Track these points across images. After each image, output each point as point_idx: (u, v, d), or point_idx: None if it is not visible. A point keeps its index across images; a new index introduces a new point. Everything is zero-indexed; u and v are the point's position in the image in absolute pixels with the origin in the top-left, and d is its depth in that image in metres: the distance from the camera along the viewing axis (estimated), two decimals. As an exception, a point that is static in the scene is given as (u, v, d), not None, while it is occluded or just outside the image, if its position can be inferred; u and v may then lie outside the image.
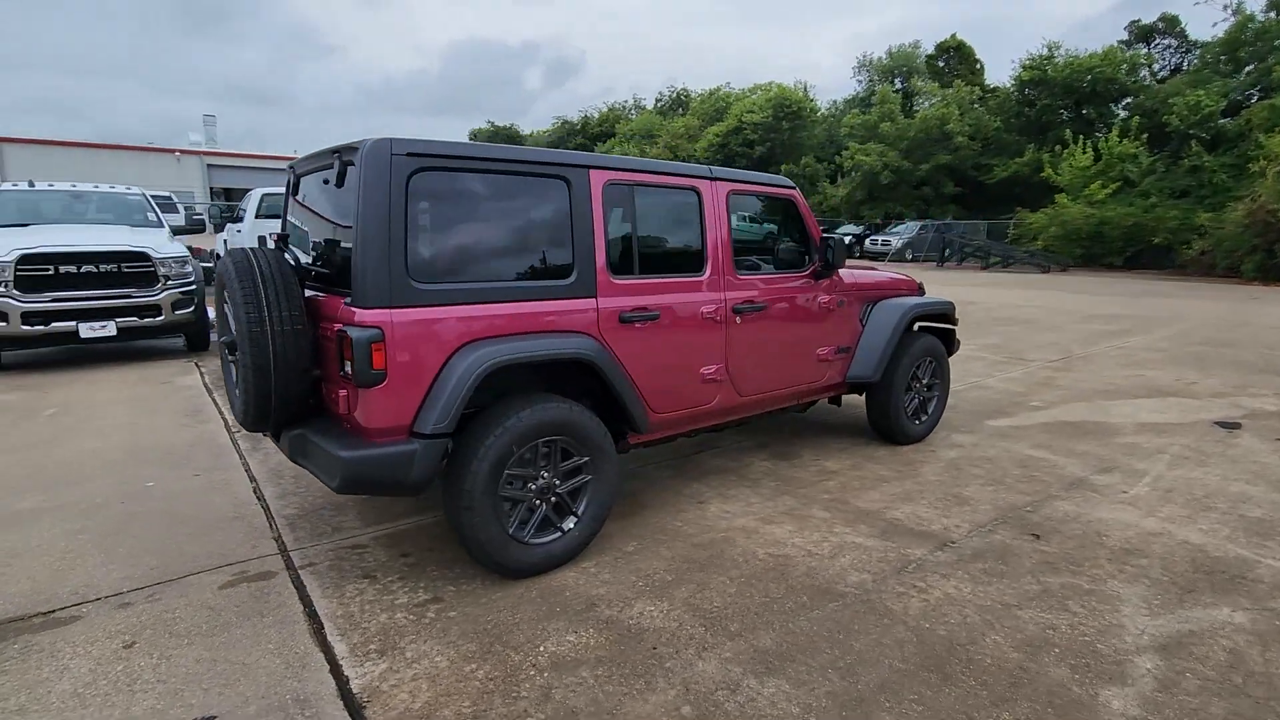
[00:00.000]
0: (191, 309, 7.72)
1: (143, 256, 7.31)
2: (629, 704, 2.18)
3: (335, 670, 2.33)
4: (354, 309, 2.54)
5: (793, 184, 4.07)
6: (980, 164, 30.37)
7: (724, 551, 3.20)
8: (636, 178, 3.24)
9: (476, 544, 2.75)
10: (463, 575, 2.94)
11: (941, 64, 36.25)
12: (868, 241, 27.85)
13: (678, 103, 54.26)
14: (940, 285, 17.17)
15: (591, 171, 3.06)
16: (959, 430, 5.09)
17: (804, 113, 39.73)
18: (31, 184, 8.41)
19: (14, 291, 6.69)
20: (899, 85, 40.75)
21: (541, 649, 2.46)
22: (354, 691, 2.23)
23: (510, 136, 59.21)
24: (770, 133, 38.92)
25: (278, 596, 2.80)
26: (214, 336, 7.67)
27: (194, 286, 7.78)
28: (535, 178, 2.91)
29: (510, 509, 2.86)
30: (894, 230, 28.32)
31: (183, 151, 36.28)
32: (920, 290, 5.04)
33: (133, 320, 7.24)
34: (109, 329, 7.11)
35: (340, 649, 2.45)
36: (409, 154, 2.58)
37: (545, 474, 2.93)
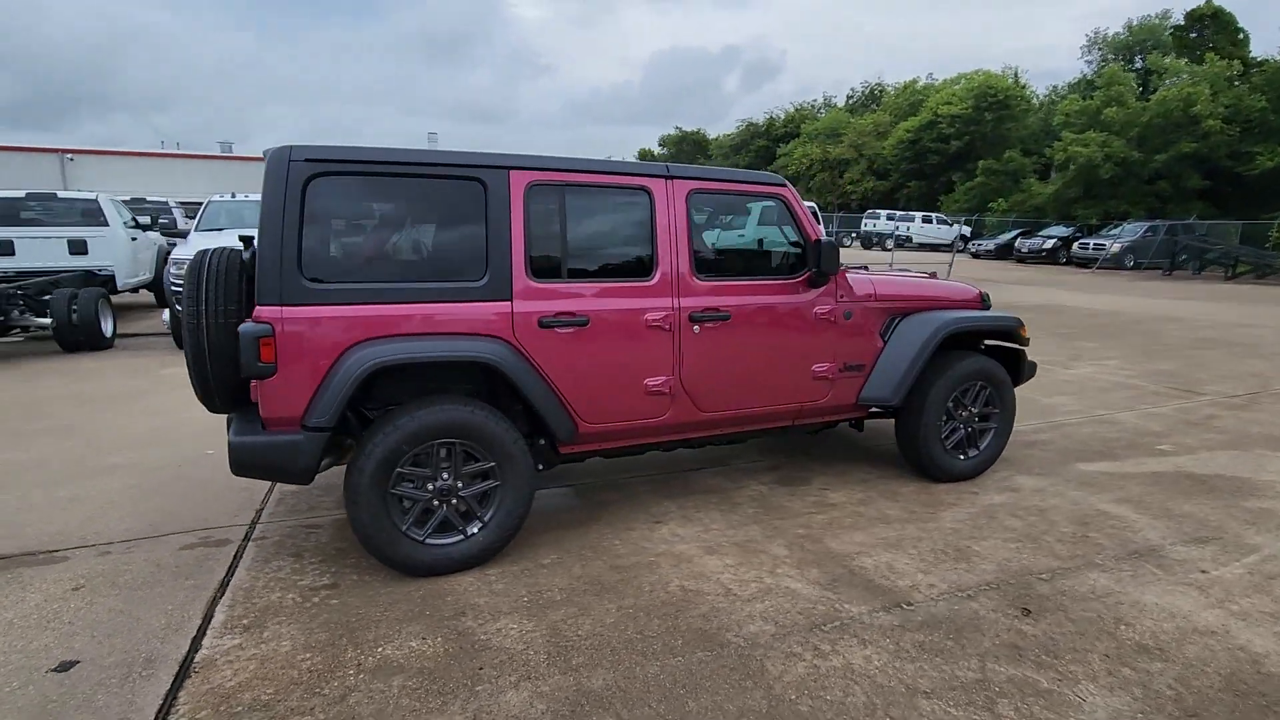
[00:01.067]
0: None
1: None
2: (410, 721, 2.11)
3: (198, 638, 2.53)
4: (256, 305, 2.73)
5: (782, 180, 3.65)
6: (1239, 153, 25.16)
7: (637, 577, 2.98)
8: (568, 178, 3.11)
9: (364, 537, 2.83)
10: (373, 566, 3.03)
11: (1194, 35, 30.52)
12: (1075, 245, 24.29)
13: (871, 98, 51.43)
14: (1142, 298, 14.54)
15: (512, 173, 2.99)
16: (1029, 471, 4.26)
17: (1012, 103, 35.69)
18: (233, 195, 10.09)
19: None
20: (1137, 64, 35.06)
21: (379, 650, 2.46)
22: (194, 661, 2.40)
23: (697, 142, 60.01)
24: (970, 126, 35.52)
25: (214, 563, 3.09)
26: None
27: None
28: (447, 180, 2.92)
29: (406, 507, 2.90)
30: (1111, 232, 24.40)
31: None
32: (982, 304, 4.29)
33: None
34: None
35: (218, 619, 2.65)
36: (307, 159, 2.71)
37: (445, 476, 2.93)
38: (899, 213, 33.24)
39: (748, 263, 3.74)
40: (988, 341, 4.35)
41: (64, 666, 2.36)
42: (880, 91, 50.69)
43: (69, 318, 7.57)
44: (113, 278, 9.17)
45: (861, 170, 43.22)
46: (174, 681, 2.28)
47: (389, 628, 2.59)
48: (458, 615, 2.68)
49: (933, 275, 4.47)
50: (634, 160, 3.79)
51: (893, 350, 3.87)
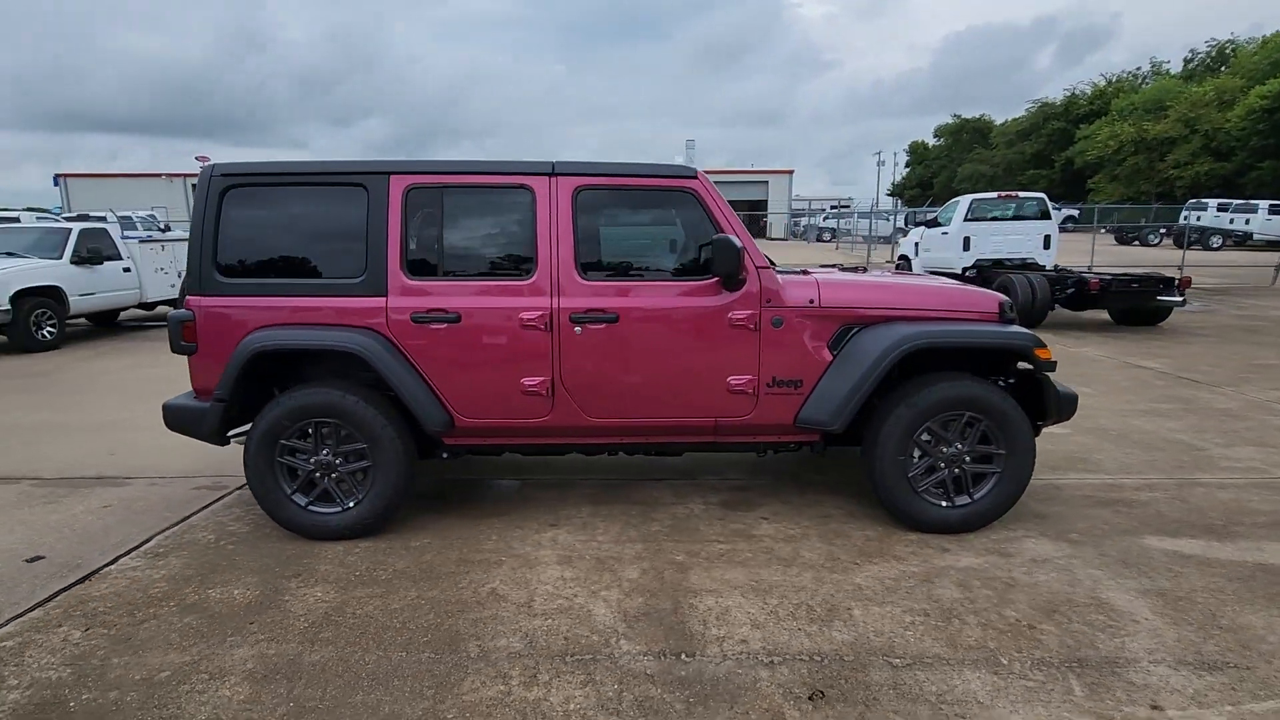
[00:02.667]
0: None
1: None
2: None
3: (121, 556, 3.20)
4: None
5: (693, 172, 3.29)
6: None
7: (470, 573, 3.00)
8: (445, 179, 3.23)
9: (258, 498, 3.29)
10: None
11: None
12: None
13: (1218, 60, 41.19)
14: None
15: (391, 177, 3.21)
16: (1061, 535, 3.28)
17: None
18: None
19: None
20: None
21: (209, 590, 2.87)
22: (99, 571, 3.05)
23: (978, 129, 53.74)
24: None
25: (196, 503, 3.82)
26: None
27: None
28: (335, 186, 3.24)
29: (293, 476, 3.29)
30: None
31: None
32: (1001, 316, 3.37)
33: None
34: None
35: (147, 544, 3.31)
36: (224, 174, 3.23)
37: (324, 452, 3.27)
38: (1234, 202, 26.21)
39: (647, 263, 3.44)
40: (1021, 365, 3.44)
41: (34, 559, 3.18)
42: (1232, 49, 40.29)
43: None
44: None
45: (1193, 150, 35.00)
46: (71, 584, 2.94)
47: (236, 574, 3.00)
48: (291, 576, 2.99)
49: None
50: (528, 160, 3.66)
51: (839, 367, 3.28)
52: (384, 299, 3.21)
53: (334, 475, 3.30)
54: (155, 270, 11.10)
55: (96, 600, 2.81)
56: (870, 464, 3.30)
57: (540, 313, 3.21)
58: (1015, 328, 3.29)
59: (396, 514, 3.40)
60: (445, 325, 3.22)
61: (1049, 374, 3.31)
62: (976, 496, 3.32)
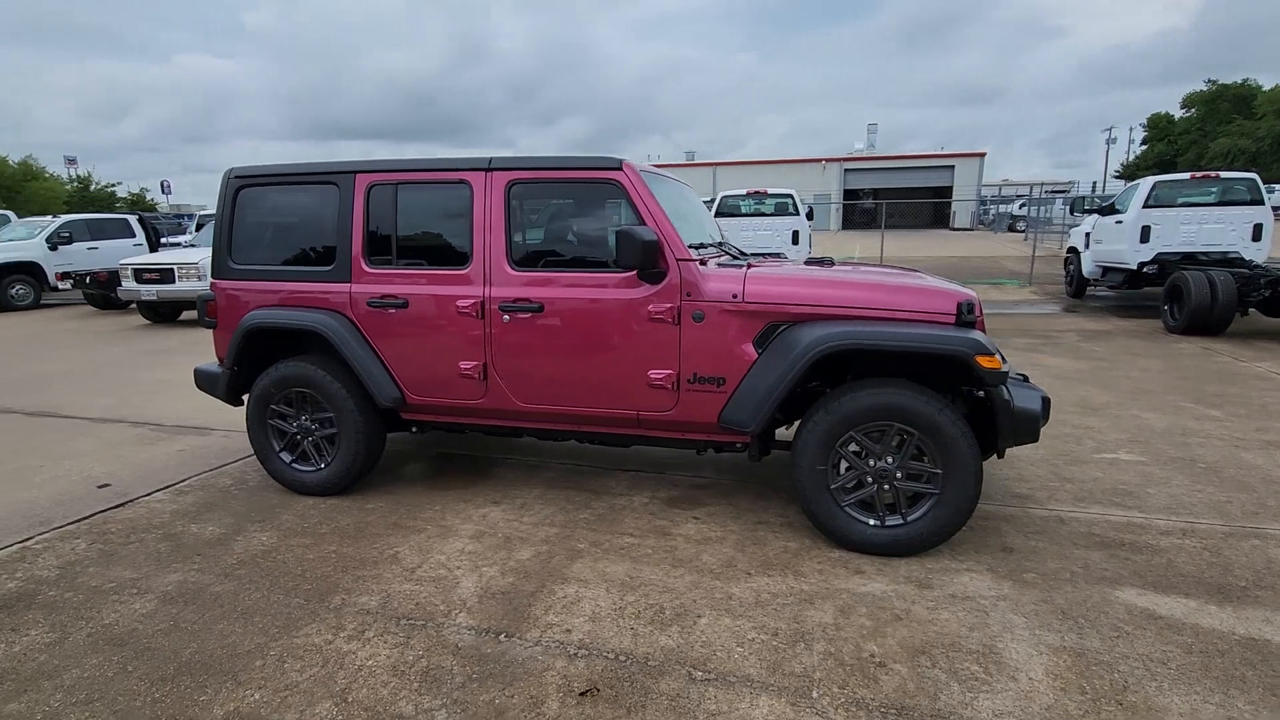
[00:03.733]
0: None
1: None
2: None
3: (157, 490, 3.92)
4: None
5: (618, 163, 3.23)
6: None
7: (387, 535, 3.30)
8: (399, 177, 3.51)
9: (255, 450, 3.85)
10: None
11: None
12: None
13: None
14: None
15: (356, 175, 3.56)
16: (1010, 573, 2.85)
17: None
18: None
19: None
20: None
21: (191, 527, 3.44)
22: (133, 500, 3.77)
23: (1239, 96, 44.67)
24: None
25: (238, 455, 4.53)
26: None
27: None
28: (316, 185, 3.66)
29: (281, 436, 3.81)
30: None
31: (828, 160, 42.23)
32: (959, 318, 2.95)
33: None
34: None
35: (182, 483, 4.02)
36: (237, 176, 3.80)
37: (304, 418, 3.75)
38: None
39: (575, 254, 3.41)
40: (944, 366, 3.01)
41: (103, 486, 4.01)
42: None
43: None
44: None
45: None
46: (108, 508, 3.68)
47: (220, 515, 3.57)
48: (257, 521, 3.49)
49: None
50: (472, 156, 3.64)
51: (761, 366, 3.10)
52: (349, 285, 3.60)
53: (310, 438, 3.77)
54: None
55: (115, 523, 3.50)
56: (793, 472, 3.09)
57: (473, 301, 3.41)
58: (961, 332, 2.88)
59: (363, 477, 3.81)
60: (395, 310, 3.53)
61: (1016, 387, 2.87)
62: (909, 519, 2.98)
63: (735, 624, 2.53)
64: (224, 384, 3.87)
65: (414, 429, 3.85)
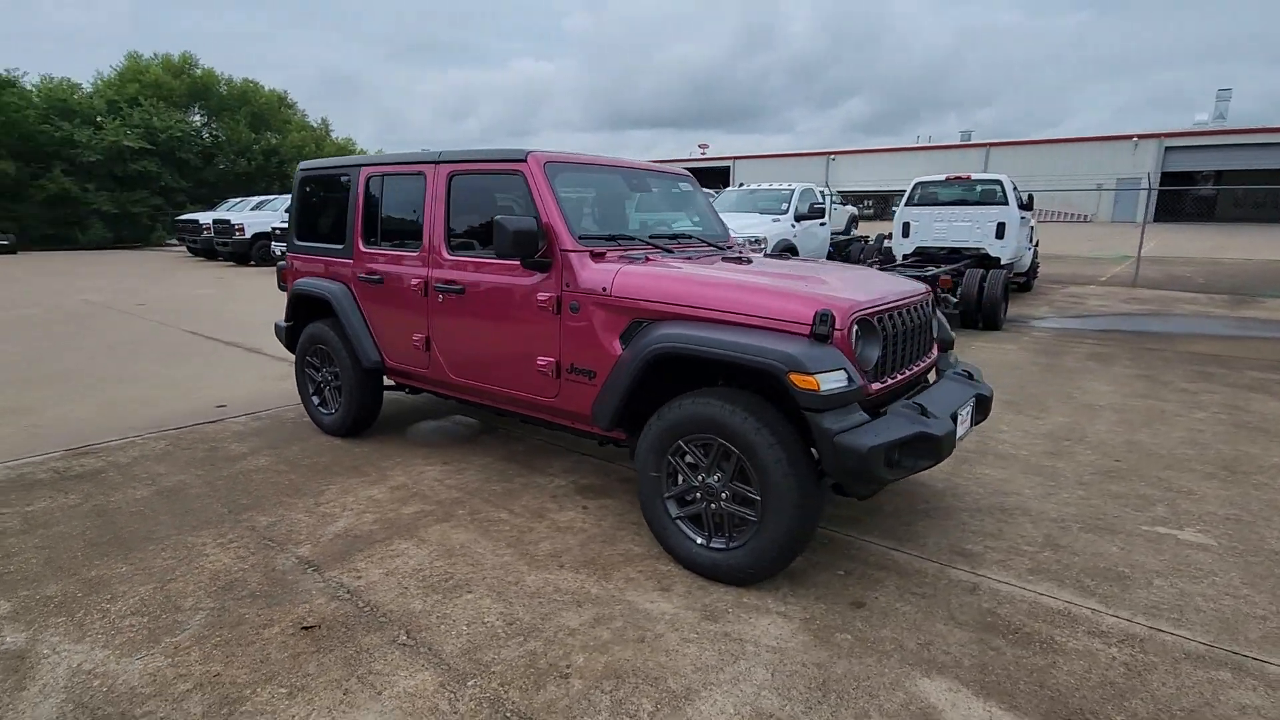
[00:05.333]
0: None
1: (721, 234, 10.12)
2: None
3: (242, 414, 5.03)
4: (290, 252, 4.92)
5: (522, 155, 3.28)
6: None
7: (324, 474, 3.88)
8: (381, 170, 4.01)
9: (300, 395, 4.75)
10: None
11: None
12: None
13: None
14: None
15: (361, 169, 4.16)
16: (838, 627, 2.45)
17: None
18: (741, 184, 12.28)
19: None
20: None
21: (228, 447, 4.41)
22: (221, 418, 4.90)
23: None
24: None
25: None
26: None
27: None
28: (339, 177, 4.35)
29: (312, 383, 4.65)
30: None
31: (1140, 136, 34.12)
32: (813, 330, 2.53)
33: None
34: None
35: (263, 412, 5.10)
36: (303, 170, 4.65)
37: (324, 371, 4.52)
38: None
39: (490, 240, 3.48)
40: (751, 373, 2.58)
41: (220, 406, 5.26)
42: None
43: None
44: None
45: None
46: (200, 423, 4.85)
47: (259, 440, 4.49)
48: (274, 448, 4.33)
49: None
50: (426, 150, 3.46)
51: (619, 363, 3.01)
52: (351, 261, 4.25)
53: (327, 388, 4.54)
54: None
55: (194, 434, 4.62)
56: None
57: (419, 280, 3.81)
58: (786, 344, 2.50)
59: (364, 425, 4.49)
60: (374, 285, 4.09)
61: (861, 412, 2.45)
62: (731, 545, 2.71)
63: (489, 606, 2.61)
64: (284, 336, 4.82)
65: (406, 390, 4.41)
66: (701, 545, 2.79)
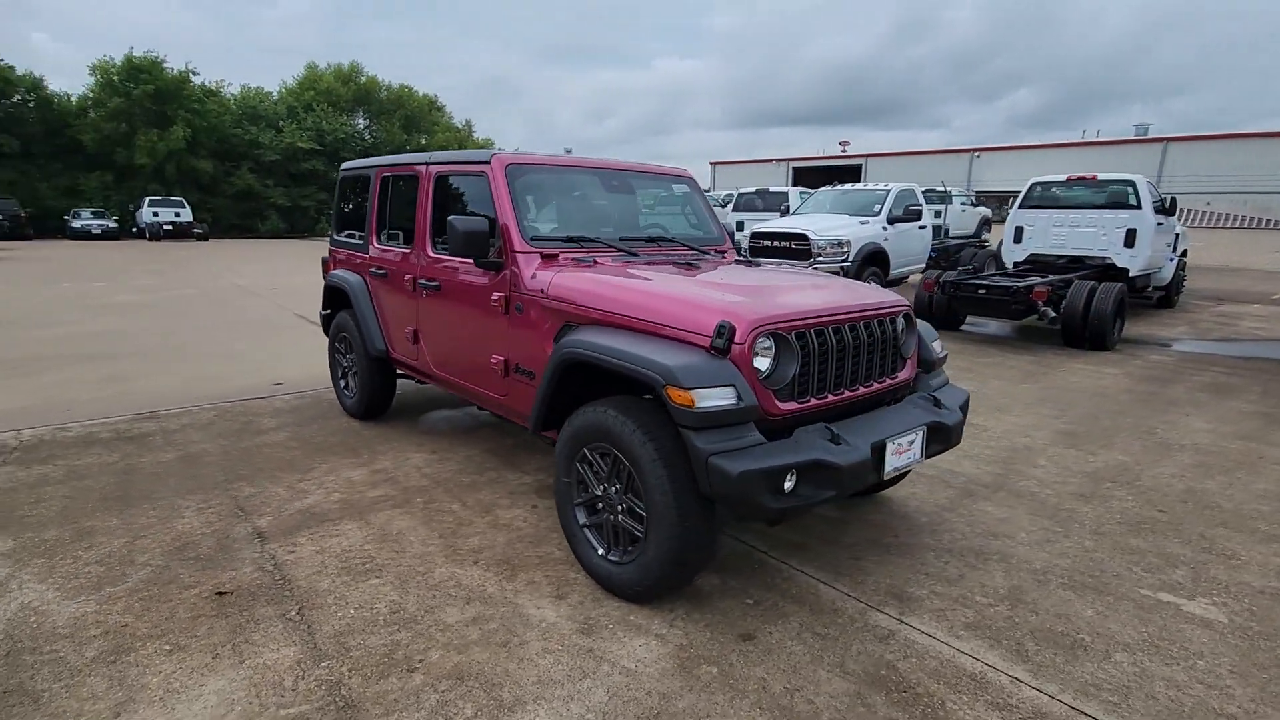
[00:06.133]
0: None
1: (802, 237, 9.74)
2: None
3: (289, 393, 5.52)
4: (338, 246, 5.31)
5: (486, 157, 3.31)
6: None
7: (322, 446, 4.17)
8: (391, 170, 4.22)
9: (331, 376, 5.15)
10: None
11: None
12: None
13: None
14: None
15: (377, 170, 4.41)
16: (713, 657, 2.32)
17: None
18: (835, 184, 11.69)
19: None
20: None
21: (254, 420, 4.86)
22: (270, 395, 5.40)
23: None
24: None
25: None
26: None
27: (844, 262, 9.58)
28: (364, 177, 4.63)
29: (339, 367, 5.01)
30: None
31: None
32: (713, 341, 2.38)
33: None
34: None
35: (306, 391, 5.56)
36: (342, 171, 5.01)
37: (347, 357, 4.86)
38: None
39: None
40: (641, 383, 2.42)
41: (276, 384, 5.80)
42: None
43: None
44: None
45: None
46: (250, 399, 5.37)
47: (290, 416, 4.91)
48: (298, 425, 4.72)
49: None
50: (433, 152, 3.25)
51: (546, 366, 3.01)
52: (366, 256, 4.53)
53: (349, 373, 4.87)
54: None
55: (241, 407, 5.13)
56: (559, 479, 2.97)
57: (410, 276, 4.00)
58: (672, 358, 2.36)
59: (378, 411, 4.79)
60: (381, 278, 4.34)
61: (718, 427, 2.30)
62: (623, 559, 2.62)
63: (386, 593, 2.70)
64: (323, 323, 5.23)
65: (416, 380, 4.64)
66: (601, 556, 2.72)
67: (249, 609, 2.58)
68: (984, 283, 8.23)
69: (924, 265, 11.21)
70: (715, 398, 2.30)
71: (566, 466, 2.83)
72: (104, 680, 2.18)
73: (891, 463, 2.61)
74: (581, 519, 2.82)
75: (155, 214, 28.01)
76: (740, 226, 13.91)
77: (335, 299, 4.99)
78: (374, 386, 4.63)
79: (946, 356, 3.37)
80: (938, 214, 18.93)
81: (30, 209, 28.16)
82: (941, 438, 2.87)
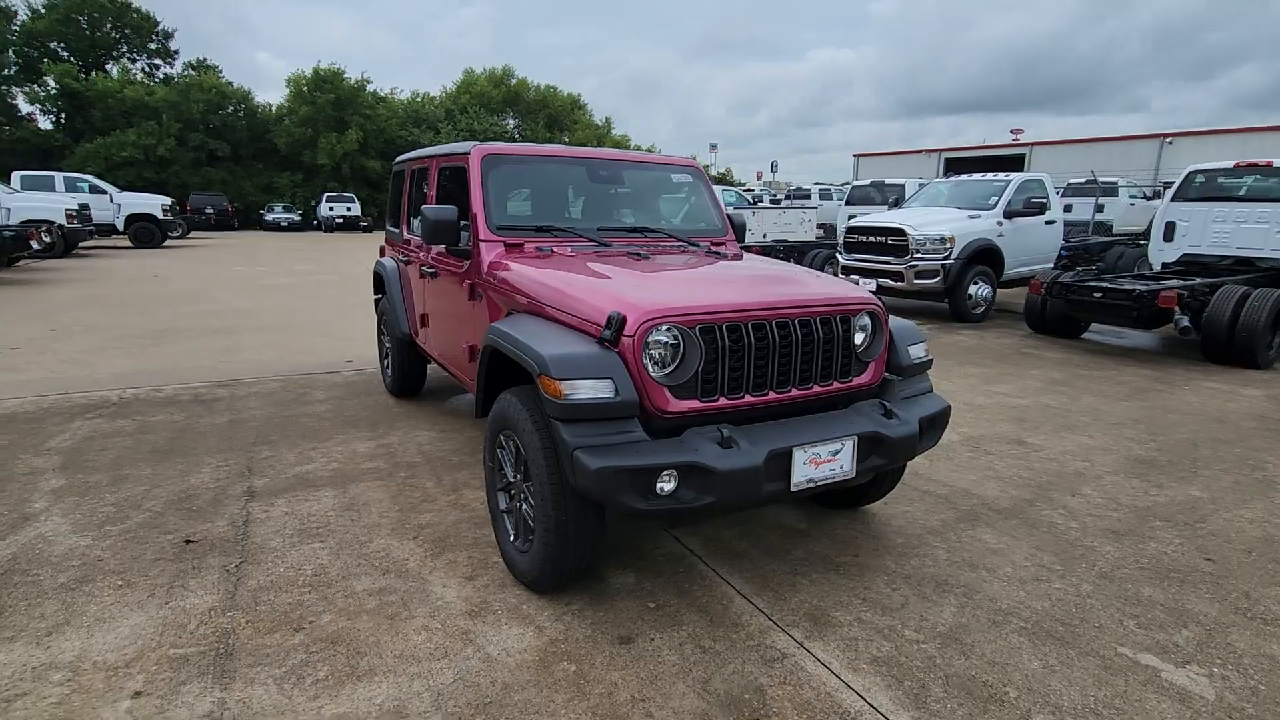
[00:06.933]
0: (936, 278, 8.88)
1: (899, 232, 9.07)
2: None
3: (352, 372, 6.00)
4: (395, 235, 5.69)
5: (466, 150, 3.37)
6: None
7: (355, 418, 4.49)
8: (413, 165, 4.45)
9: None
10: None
11: None
12: None
13: None
14: None
15: (408, 164, 4.67)
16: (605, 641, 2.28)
17: None
18: (951, 174, 10.72)
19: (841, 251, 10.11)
20: None
21: (313, 390, 5.33)
22: (339, 370, 5.91)
23: None
24: None
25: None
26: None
27: (945, 260, 8.84)
28: (403, 171, 4.92)
29: (383, 350, 5.37)
30: None
31: None
32: (603, 332, 2.30)
33: (888, 282, 9.28)
34: (871, 285, 9.48)
35: (368, 370, 6.02)
36: (395, 162, 5.37)
37: (387, 338, 5.21)
38: None
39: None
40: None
41: (348, 360, 6.33)
42: None
43: None
44: None
45: None
46: (319, 373, 5.90)
47: (336, 391, 5.36)
48: (340, 399, 5.13)
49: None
50: (460, 144, 2.91)
51: (492, 352, 3.05)
52: (399, 243, 4.82)
53: (389, 353, 5.23)
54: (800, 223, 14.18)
55: (305, 380, 5.65)
56: (494, 464, 3.01)
57: (419, 261, 4.21)
58: (556, 348, 2.31)
59: (411, 392, 5.10)
60: (405, 264, 4.61)
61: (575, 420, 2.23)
62: (523, 547, 2.61)
63: (320, 557, 2.88)
64: (375, 307, 5.63)
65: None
66: (511, 542, 2.74)
67: (201, 558, 2.87)
68: (1101, 285, 7.21)
69: (1052, 265, 10.03)
70: (588, 390, 2.23)
71: (490, 451, 2.86)
72: (57, 604, 2.52)
73: (805, 473, 2.39)
74: (502, 504, 2.85)
75: (330, 208, 31.45)
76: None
77: (378, 284, 5.36)
78: (404, 366, 4.93)
79: (930, 362, 3.02)
80: (1100, 208, 16.81)
81: (236, 204, 32.67)
82: (885, 451, 2.57)
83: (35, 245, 12.47)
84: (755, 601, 2.61)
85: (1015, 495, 3.62)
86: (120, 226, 19.81)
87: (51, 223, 15.11)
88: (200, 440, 4.23)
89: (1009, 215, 9.33)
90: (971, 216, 9.25)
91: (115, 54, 37.26)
